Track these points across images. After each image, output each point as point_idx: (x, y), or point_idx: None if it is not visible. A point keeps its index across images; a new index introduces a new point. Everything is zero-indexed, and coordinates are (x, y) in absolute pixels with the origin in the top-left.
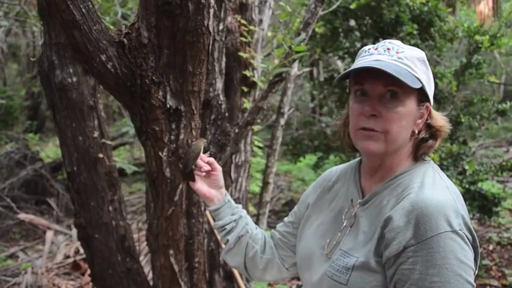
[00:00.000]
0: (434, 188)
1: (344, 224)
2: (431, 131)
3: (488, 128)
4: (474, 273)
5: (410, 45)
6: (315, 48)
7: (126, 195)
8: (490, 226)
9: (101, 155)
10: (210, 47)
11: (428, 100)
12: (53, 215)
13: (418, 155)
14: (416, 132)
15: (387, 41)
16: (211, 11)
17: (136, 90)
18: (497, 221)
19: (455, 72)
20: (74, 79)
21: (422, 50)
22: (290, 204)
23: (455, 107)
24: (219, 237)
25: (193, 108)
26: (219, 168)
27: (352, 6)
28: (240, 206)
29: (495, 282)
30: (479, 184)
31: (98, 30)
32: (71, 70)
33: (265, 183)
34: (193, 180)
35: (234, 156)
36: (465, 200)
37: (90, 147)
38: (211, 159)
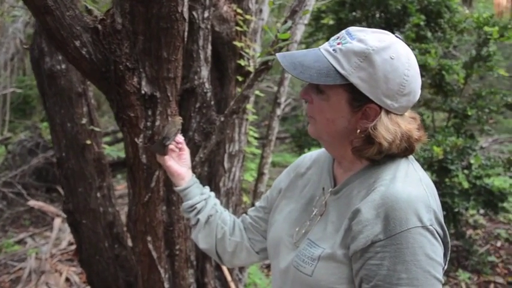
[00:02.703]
0: (406, 181)
1: (314, 213)
2: (369, 139)
3: (503, 122)
4: (443, 269)
5: (419, 37)
6: (320, 39)
7: None
8: (499, 222)
9: (88, 142)
10: (185, 34)
11: (372, 101)
12: (62, 203)
13: (363, 156)
14: (358, 132)
15: (352, 28)
16: None
17: (111, 76)
18: (507, 217)
19: (464, 64)
20: (63, 66)
21: (431, 41)
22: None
23: (462, 100)
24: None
25: (169, 94)
26: (187, 149)
27: None
28: (207, 187)
29: (500, 280)
30: (489, 179)
31: (71, 16)
32: (60, 57)
33: (260, 174)
34: (166, 154)
35: (227, 146)
36: (471, 195)
37: (78, 134)
38: (183, 139)
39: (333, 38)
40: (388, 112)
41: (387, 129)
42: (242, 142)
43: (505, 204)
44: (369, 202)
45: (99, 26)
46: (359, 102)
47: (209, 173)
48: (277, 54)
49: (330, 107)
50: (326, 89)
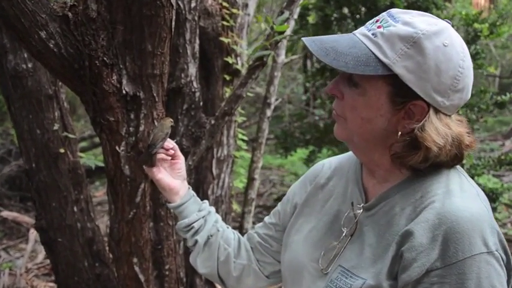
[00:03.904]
0: (464, 196)
1: (344, 233)
2: (415, 143)
3: (486, 120)
4: None
5: None
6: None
7: None
8: None
9: (62, 150)
10: (173, 23)
11: (419, 97)
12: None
13: (405, 164)
14: (399, 134)
15: (394, 10)
16: None
17: (85, 74)
18: (494, 217)
19: None
20: (29, 65)
21: None
22: (282, 199)
23: None
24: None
25: (155, 94)
26: (181, 156)
27: None
28: (206, 201)
29: None
30: (477, 179)
31: (35, 1)
32: (26, 54)
33: (250, 179)
34: (154, 165)
35: (215, 151)
36: None
37: (49, 142)
38: (175, 145)
39: (370, 21)
40: (437, 111)
41: (437, 131)
42: (231, 146)
43: (496, 204)
44: (422, 223)
45: (70, 14)
46: (403, 98)
47: (196, 180)
48: (303, 38)
49: (366, 103)
50: (362, 81)
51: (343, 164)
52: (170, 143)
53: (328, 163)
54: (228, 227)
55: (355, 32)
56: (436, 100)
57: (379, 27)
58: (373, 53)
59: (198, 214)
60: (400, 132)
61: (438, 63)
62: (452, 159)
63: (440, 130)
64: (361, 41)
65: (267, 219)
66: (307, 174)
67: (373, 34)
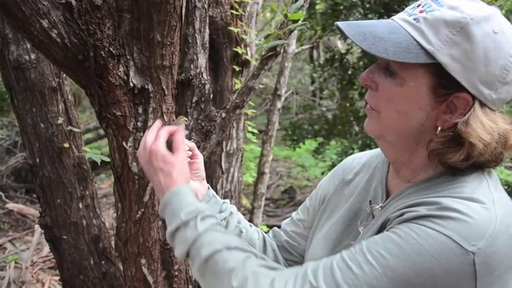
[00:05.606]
0: (487, 200)
1: (361, 234)
2: (458, 139)
3: (502, 112)
4: None
5: None
6: (315, 27)
7: None
8: None
9: (66, 145)
10: (183, 11)
11: (463, 89)
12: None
13: (444, 163)
14: (439, 130)
15: None
16: None
17: (90, 66)
18: None
19: None
20: (32, 56)
21: None
22: (289, 191)
23: None
24: None
25: (164, 87)
26: (200, 155)
27: None
28: (227, 201)
29: None
30: None
31: None
32: (28, 45)
33: (260, 174)
34: None
35: (225, 144)
36: None
37: (54, 136)
38: (192, 144)
39: (409, 7)
40: (482, 105)
41: (483, 126)
42: (240, 139)
43: None
44: (418, 206)
45: (73, 1)
46: (445, 89)
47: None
48: (338, 23)
49: (404, 94)
50: (400, 70)
51: (372, 159)
52: (187, 144)
53: (358, 157)
54: (251, 226)
55: (393, 17)
56: (482, 93)
57: (421, 11)
58: (415, 39)
59: (220, 216)
60: (439, 128)
61: (487, 52)
62: (494, 159)
63: (487, 125)
64: (401, 26)
65: (294, 215)
66: (336, 168)
67: (414, 19)
